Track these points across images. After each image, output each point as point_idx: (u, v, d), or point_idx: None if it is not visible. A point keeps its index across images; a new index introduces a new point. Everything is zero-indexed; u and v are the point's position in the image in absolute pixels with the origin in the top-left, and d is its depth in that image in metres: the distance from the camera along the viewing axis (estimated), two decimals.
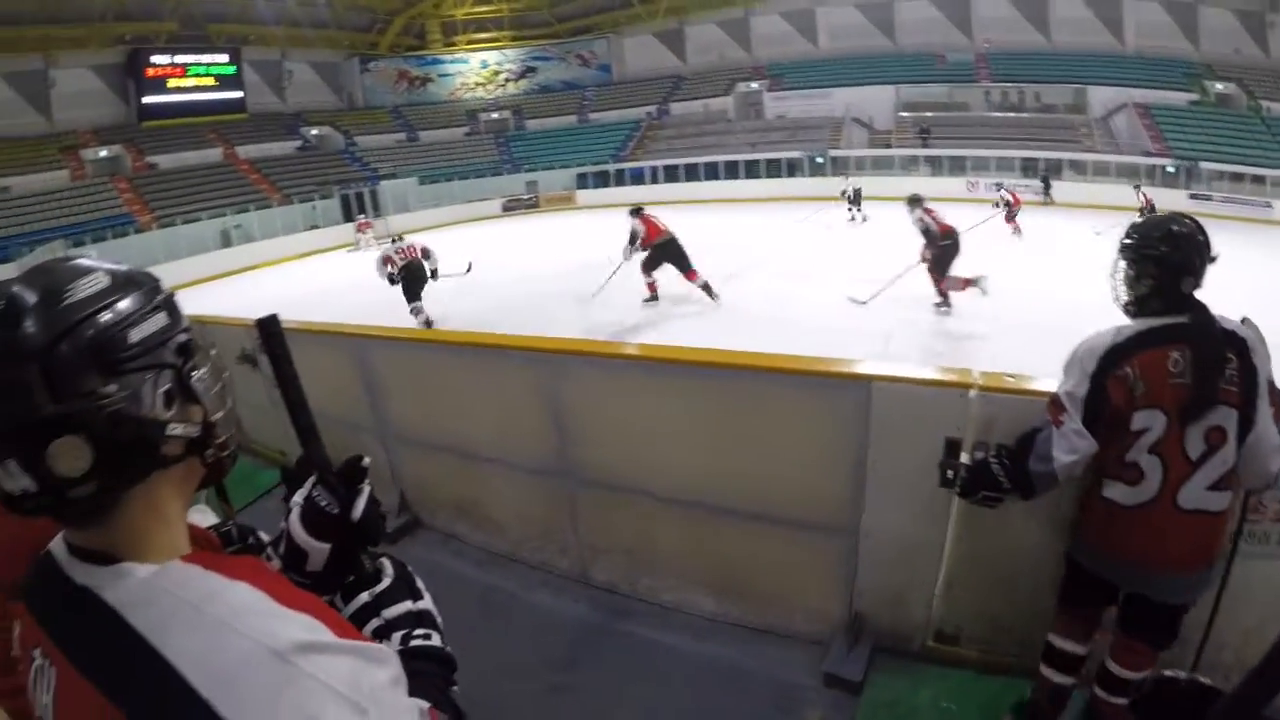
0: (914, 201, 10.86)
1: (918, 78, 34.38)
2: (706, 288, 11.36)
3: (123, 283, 0.84)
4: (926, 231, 10.40)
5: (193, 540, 0.93)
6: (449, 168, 36.27)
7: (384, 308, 12.80)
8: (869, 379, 2.64)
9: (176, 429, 0.85)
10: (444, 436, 3.93)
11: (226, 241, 26.59)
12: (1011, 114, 32.18)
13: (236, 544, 1.29)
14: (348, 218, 29.54)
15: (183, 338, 0.89)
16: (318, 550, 1.07)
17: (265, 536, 1.19)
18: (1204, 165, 25.94)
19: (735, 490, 3.07)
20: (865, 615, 2.99)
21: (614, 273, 12.00)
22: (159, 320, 0.86)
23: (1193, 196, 24.12)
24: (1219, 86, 29.75)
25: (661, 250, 11.23)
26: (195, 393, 0.88)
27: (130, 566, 0.82)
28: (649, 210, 11.80)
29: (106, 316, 0.80)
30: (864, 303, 10.92)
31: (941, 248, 10.37)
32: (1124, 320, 2.18)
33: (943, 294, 10.63)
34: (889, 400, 2.61)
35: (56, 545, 0.89)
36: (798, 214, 22.02)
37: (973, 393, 2.49)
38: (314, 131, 36.81)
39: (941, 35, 34.76)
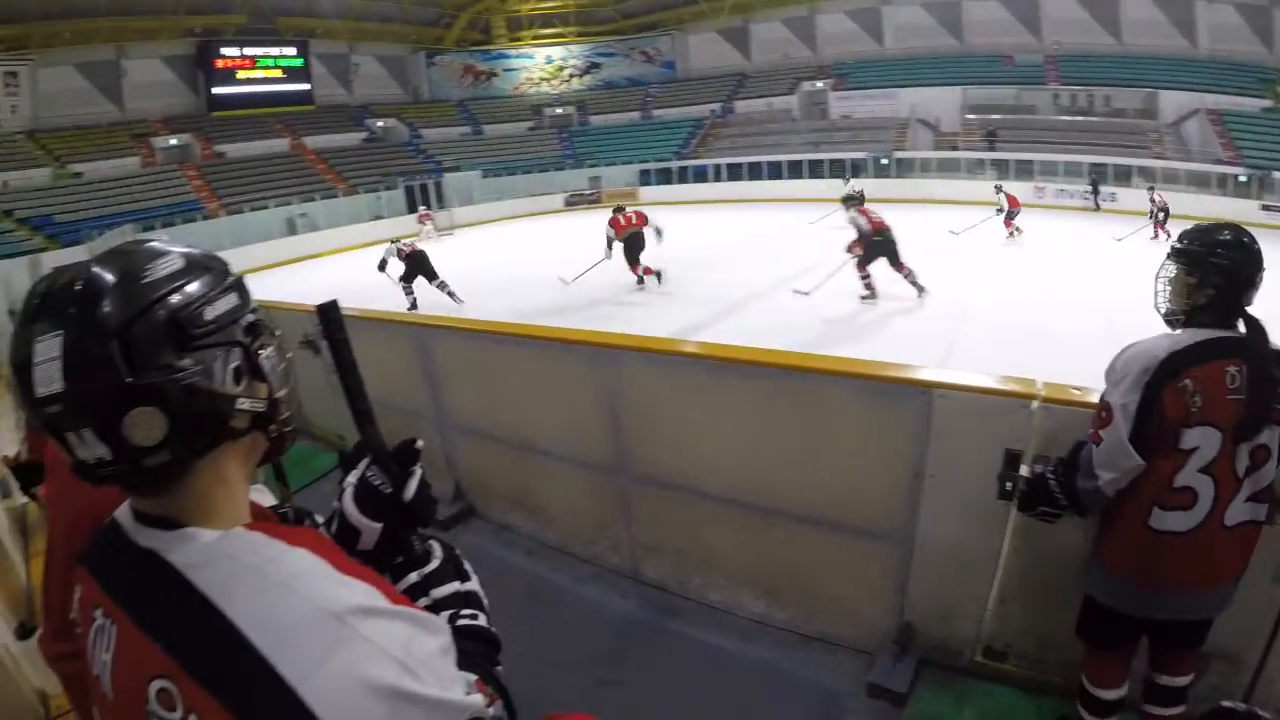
0: (848, 201, 12.14)
1: (985, 79, 33.57)
2: (911, 278, 11.38)
3: (196, 264, 0.89)
4: (858, 229, 11.21)
5: (253, 514, 0.97)
6: (512, 161, 36.53)
7: (444, 299, 13.04)
8: (931, 386, 2.61)
9: (244, 404, 0.89)
10: (501, 427, 3.99)
11: (292, 229, 27.27)
12: (1080, 118, 31.20)
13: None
14: (412, 209, 29.91)
15: (251, 318, 0.93)
16: (370, 529, 1.11)
17: (320, 520, 1.23)
18: (1277, 175, 24.86)
19: (789, 492, 3.07)
20: (914, 626, 2.95)
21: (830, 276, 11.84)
22: (230, 300, 0.90)
23: (1265, 208, 23.02)
24: None
25: (879, 246, 11.31)
26: (262, 370, 0.92)
27: (195, 531, 0.86)
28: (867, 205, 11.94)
29: (182, 295, 0.85)
30: (807, 294, 11.60)
31: (873, 243, 11.17)
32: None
33: (868, 288, 11.53)
34: (950, 408, 2.59)
35: (122, 512, 0.93)
36: (812, 215, 21.64)
37: (1035, 404, 2.45)
38: (379, 123, 37.47)
39: (1010, 36, 33.87)
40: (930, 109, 33.23)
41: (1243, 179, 25.06)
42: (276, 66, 35.20)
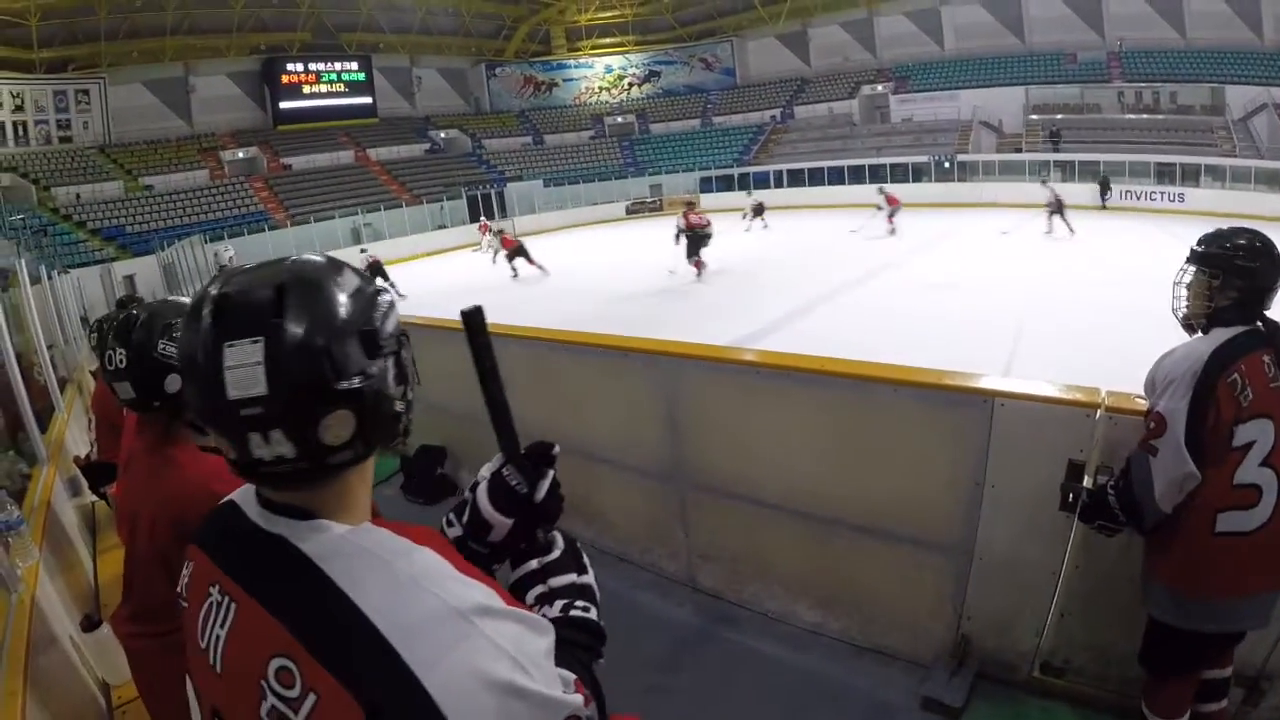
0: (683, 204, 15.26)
1: (1048, 78, 32.78)
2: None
3: (368, 279, 0.97)
4: (679, 228, 15.24)
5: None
6: (574, 170, 37.04)
7: (504, 308, 13.23)
8: (993, 395, 2.59)
9: (399, 405, 0.97)
10: (560, 434, 3.96)
11: (357, 239, 28.02)
12: (1145, 115, 30.21)
13: None
14: (474, 218, 30.54)
15: (400, 328, 1.00)
16: (501, 524, 1.15)
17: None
18: None
19: (847, 501, 3.06)
20: (971, 639, 2.90)
21: None
22: (395, 314, 0.99)
23: None
24: None
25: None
26: (407, 374, 1.00)
27: (327, 523, 0.91)
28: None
29: (368, 308, 0.92)
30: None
31: (689, 237, 15.33)
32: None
33: (697, 269, 15.36)
34: (1012, 418, 2.56)
35: (242, 498, 1.00)
36: (853, 222, 21.60)
37: (1099, 413, 2.41)
38: (442, 135, 38.35)
39: (1072, 33, 32.96)
40: (992, 110, 32.59)
41: None
42: (340, 81, 36.40)
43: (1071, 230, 18.54)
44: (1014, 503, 2.63)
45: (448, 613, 0.82)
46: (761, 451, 3.25)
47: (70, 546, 3.66)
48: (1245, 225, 2.20)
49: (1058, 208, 19.27)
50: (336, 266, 0.95)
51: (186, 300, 2.12)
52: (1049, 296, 11.74)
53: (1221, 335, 2.02)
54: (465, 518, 1.18)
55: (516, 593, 1.15)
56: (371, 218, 29.34)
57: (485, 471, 1.20)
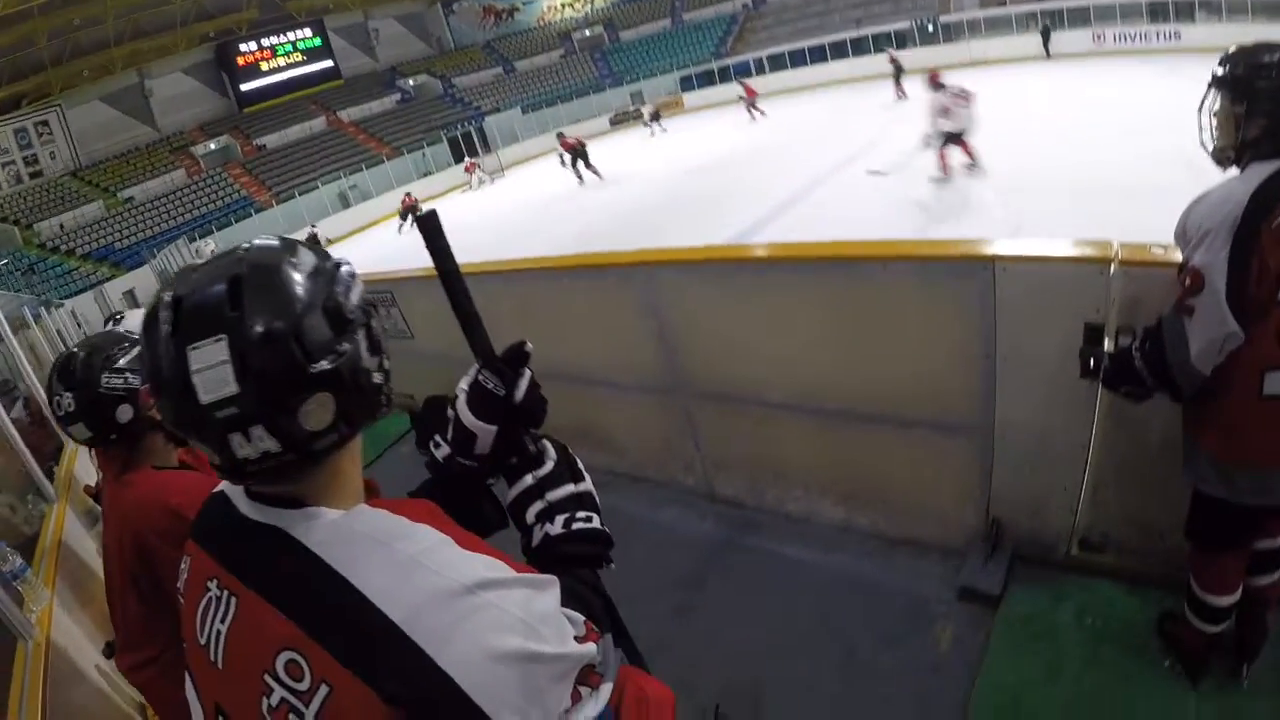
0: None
1: None
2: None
3: (323, 255, 0.95)
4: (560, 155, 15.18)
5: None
6: (550, 92, 36.42)
7: (495, 245, 13.05)
8: (993, 260, 2.38)
9: (377, 376, 0.95)
10: (555, 363, 3.88)
11: (345, 203, 27.92)
12: None
13: None
14: (459, 159, 30.31)
15: (367, 297, 0.99)
16: (485, 431, 1.15)
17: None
18: None
19: (857, 392, 2.91)
20: (1003, 522, 2.79)
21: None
22: (360, 286, 0.96)
23: None
24: None
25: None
26: (380, 344, 0.98)
27: (320, 509, 0.90)
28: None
29: (333, 284, 0.90)
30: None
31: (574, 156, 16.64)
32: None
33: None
34: (1017, 282, 2.36)
35: (232, 489, 0.98)
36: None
37: (1113, 268, 2.20)
38: (411, 82, 37.60)
39: None
40: None
41: None
42: (297, 50, 35.78)
43: (901, 96, 20.03)
44: (1031, 374, 2.46)
45: (453, 588, 0.81)
46: (759, 350, 3.10)
47: (90, 577, 3.68)
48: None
49: (897, 72, 21.24)
50: (290, 248, 0.92)
51: (123, 330, 2.22)
52: (1050, 151, 11.32)
53: (1261, 171, 1.75)
54: (450, 434, 1.18)
55: (516, 511, 1.16)
56: (355, 179, 29.00)
57: (463, 383, 1.19)
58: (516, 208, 18.64)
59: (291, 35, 35.46)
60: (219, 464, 0.87)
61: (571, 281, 3.69)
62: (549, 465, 1.16)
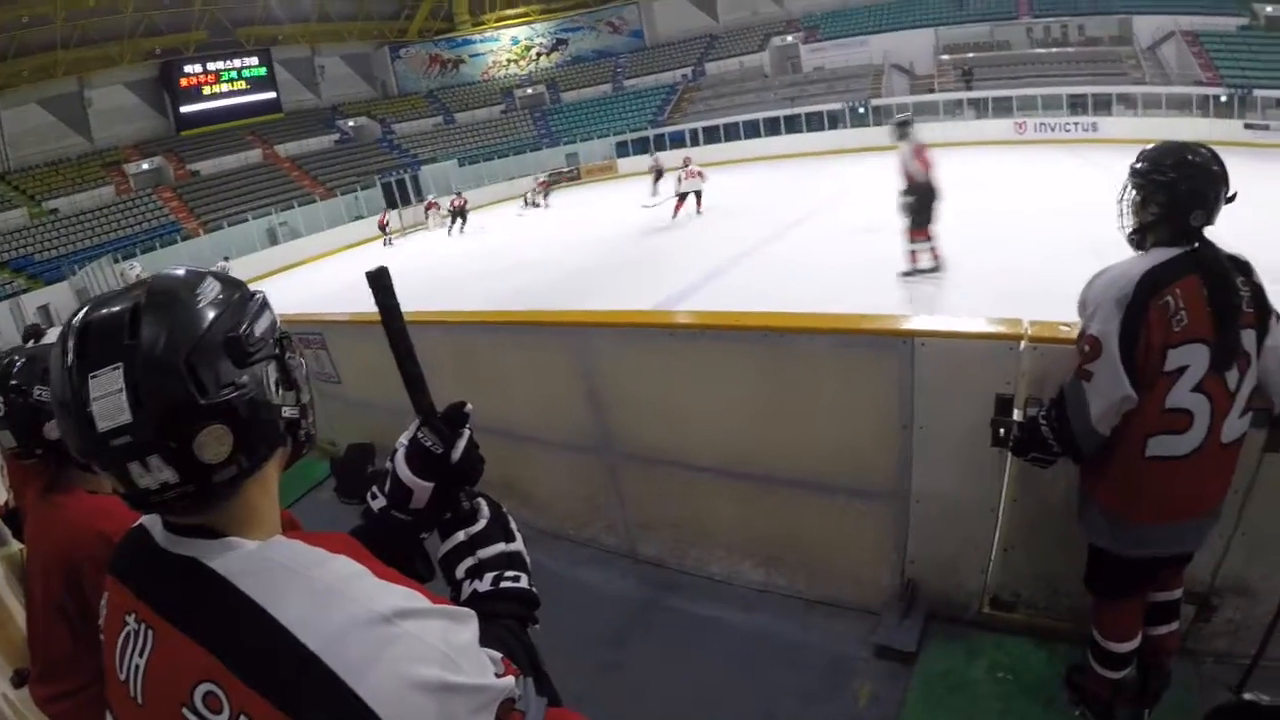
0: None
1: (956, 18, 33.12)
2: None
3: (231, 284, 0.93)
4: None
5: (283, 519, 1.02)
6: (487, 147, 36.33)
7: (428, 292, 12.98)
8: (912, 335, 2.52)
9: (287, 411, 0.94)
10: (484, 416, 3.84)
11: (273, 239, 27.21)
12: (1055, 49, 30.87)
13: None
14: (391, 205, 29.84)
15: (279, 331, 0.97)
16: (421, 488, 1.14)
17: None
18: (1259, 93, 24.53)
19: (779, 457, 2.98)
20: (918, 583, 2.88)
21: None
22: (268, 316, 0.94)
23: (1248, 126, 22.80)
24: (1270, 9, 28.06)
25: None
26: (294, 378, 0.97)
27: (238, 540, 0.88)
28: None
29: (233, 315, 0.89)
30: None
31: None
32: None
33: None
34: (934, 357, 2.50)
35: (150, 521, 0.95)
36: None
37: (1023, 345, 2.36)
38: (351, 123, 37.22)
39: None
40: (904, 53, 32.83)
41: (1223, 99, 24.79)
42: (241, 78, 34.99)
43: (654, 194, 20.81)
44: (945, 443, 2.58)
45: (371, 618, 0.80)
46: (687, 415, 3.16)
47: None
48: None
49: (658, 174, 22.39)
50: (197, 278, 0.91)
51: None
52: (970, 234, 11.86)
53: (1157, 256, 1.96)
54: (387, 487, 1.17)
55: (447, 567, 1.15)
56: (286, 216, 28.28)
57: (403, 439, 1.18)
58: (453, 257, 18.57)
59: (238, 62, 34.77)
60: (123, 493, 0.86)
61: (511, 337, 3.69)
62: (482, 523, 1.16)
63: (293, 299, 15.28)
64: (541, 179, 28.57)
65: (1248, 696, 0.72)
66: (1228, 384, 1.88)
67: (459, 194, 24.62)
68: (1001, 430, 2.41)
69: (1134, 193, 2.06)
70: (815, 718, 2.65)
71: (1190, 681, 2.40)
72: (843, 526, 2.98)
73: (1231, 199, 1.98)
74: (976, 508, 2.65)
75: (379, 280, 1.15)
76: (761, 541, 3.23)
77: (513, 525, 1.21)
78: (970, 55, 31.58)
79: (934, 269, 9.65)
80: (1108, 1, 30.44)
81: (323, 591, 0.82)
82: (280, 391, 0.93)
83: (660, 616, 3.24)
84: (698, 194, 18.00)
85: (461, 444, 1.17)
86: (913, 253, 9.66)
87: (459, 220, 23.53)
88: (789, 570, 3.19)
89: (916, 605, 2.87)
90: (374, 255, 23.39)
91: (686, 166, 18.11)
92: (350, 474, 4.81)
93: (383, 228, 26.55)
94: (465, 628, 0.89)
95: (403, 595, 0.85)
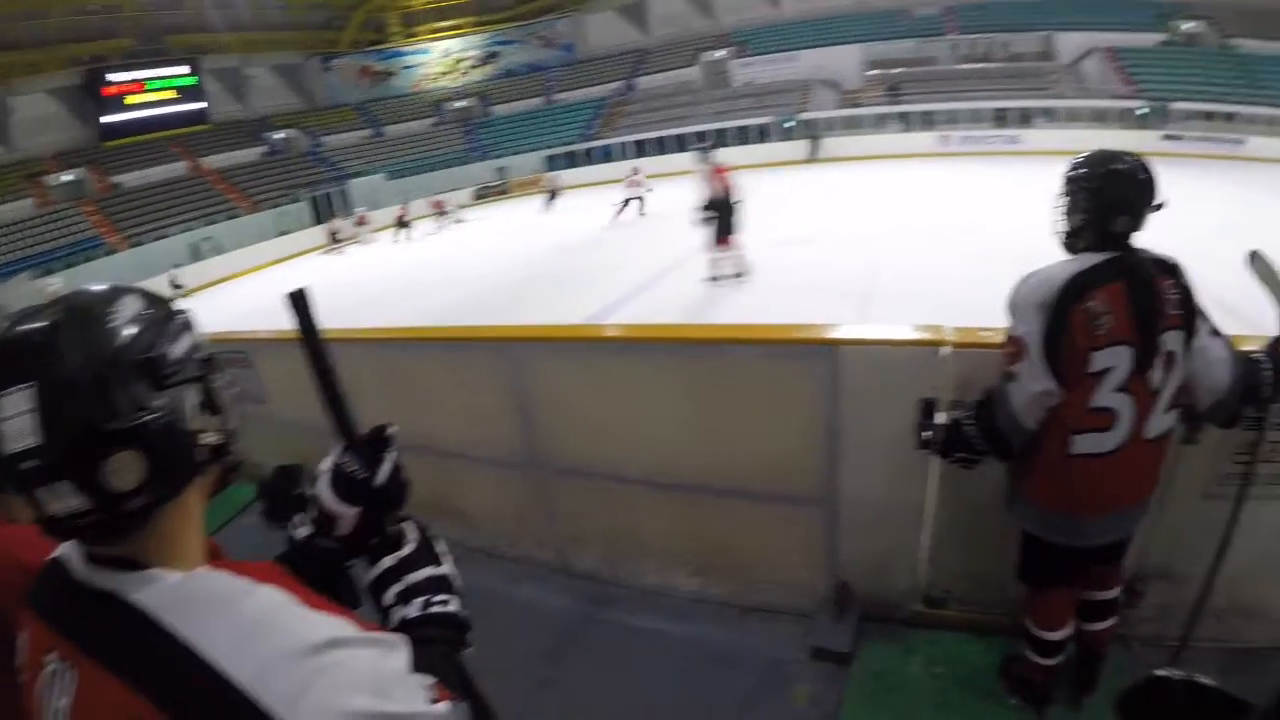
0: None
1: (884, 34, 34.06)
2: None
3: (152, 303, 0.90)
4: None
5: (209, 548, 0.97)
6: (417, 160, 35.87)
7: (356, 309, 12.73)
8: (836, 343, 2.56)
9: (209, 437, 0.90)
10: (413, 434, 3.77)
11: (198, 255, 26.31)
12: (980, 65, 31.97)
13: None
14: (318, 220, 29.29)
15: (203, 352, 0.93)
16: (346, 514, 1.12)
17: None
18: (1175, 105, 25.82)
19: (708, 467, 2.99)
20: (850, 585, 2.91)
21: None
22: (189, 337, 0.91)
23: (1166, 137, 24.03)
24: (1187, 25, 29.61)
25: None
26: (218, 403, 0.93)
27: (160, 573, 0.85)
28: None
29: (149, 336, 0.85)
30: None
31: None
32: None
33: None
34: (858, 364, 2.53)
35: (67, 554, 0.91)
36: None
37: (944, 350, 2.41)
38: (279, 135, 36.39)
39: None
40: (832, 69, 33.58)
41: (1142, 112, 26.03)
42: (168, 87, 33.91)
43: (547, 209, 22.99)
44: (872, 448, 2.62)
45: (300, 649, 0.78)
46: (617, 428, 3.14)
47: None
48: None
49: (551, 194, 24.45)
50: (115, 293, 0.88)
51: None
52: (895, 244, 12.19)
53: (1084, 261, 2.01)
54: (311, 514, 1.15)
55: (375, 593, 1.13)
56: (211, 230, 27.46)
57: (325, 464, 1.15)
58: (381, 274, 18.29)
59: (165, 71, 33.60)
60: (36, 519, 0.82)
61: (439, 353, 3.62)
62: (409, 547, 1.14)
63: (219, 317, 14.80)
64: (436, 199, 28.30)
65: (1159, 673, 0.74)
66: (1150, 383, 1.95)
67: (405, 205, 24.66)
68: (925, 434, 2.45)
69: (1067, 199, 2.12)
70: None
71: (1122, 665, 2.48)
72: (774, 533, 3.00)
73: (1159, 207, 2.04)
74: (904, 510, 2.70)
75: (299, 302, 1.11)
76: (694, 551, 3.23)
77: (441, 548, 1.19)
78: (897, 70, 32.55)
79: (738, 275, 10.97)
80: (1031, 19, 31.69)
81: (249, 624, 0.80)
82: (202, 416, 0.89)
83: (596, 630, 3.20)
84: (640, 200, 20.17)
85: (386, 468, 1.14)
86: (715, 260, 10.96)
87: (405, 229, 23.60)
88: (723, 578, 3.18)
89: (850, 607, 2.89)
90: (303, 271, 22.92)
91: (634, 175, 20.79)
92: (278, 497, 4.63)
93: (401, 221, 26.12)
94: (396, 655, 0.88)
95: (331, 625, 0.84)
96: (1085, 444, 2.01)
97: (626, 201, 20.30)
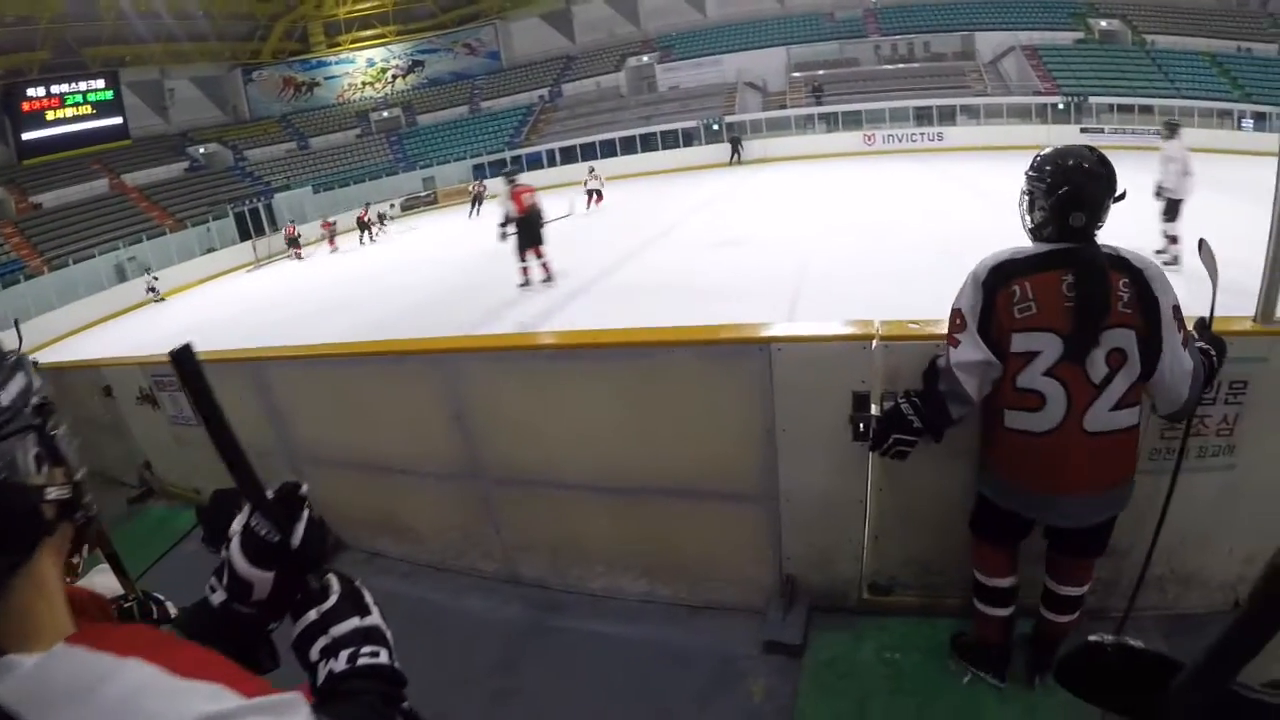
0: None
1: (807, 37, 34.73)
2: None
3: None
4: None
5: (80, 606, 0.89)
6: (343, 172, 35.30)
7: (290, 325, 12.46)
8: (769, 341, 2.58)
9: (52, 492, 0.80)
10: (354, 452, 3.74)
11: (122, 276, 25.30)
12: (902, 65, 32.78)
13: (137, 623, 1.22)
14: (244, 236, 28.52)
15: (38, 398, 0.84)
16: (261, 579, 1.04)
17: (172, 608, 1.14)
18: (1093, 100, 26.88)
19: (652, 470, 2.99)
20: (796, 578, 2.94)
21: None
22: (20, 381, 0.81)
23: (1083, 130, 25.05)
24: (1103, 23, 30.88)
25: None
26: (60, 453, 0.83)
27: (14, 659, 0.74)
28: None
29: None
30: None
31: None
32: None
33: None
34: (791, 361, 2.56)
35: None
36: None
37: (874, 343, 2.45)
38: (201, 150, 35.43)
39: None
40: (756, 72, 34.08)
41: (1060, 107, 27.07)
42: (86, 102, 32.71)
43: (473, 215, 24.15)
44: (808, 442, 2.65)
45: None
46: (555, 435, 3.12)
47: None
48: (1073, 146, 2.23)
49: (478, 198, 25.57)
50: None
51: None
52: (823, 241, 12.41)
53: (1028, 250, 2.12)
54: (224, 579, 1.05)
55: (301, 650, 1.04)
56: (135, 250, 26.33)
57: (236, 525, 1.06)
58: (318, 286, 17.90)
59: (83, 85, 32.33)
60: None
61: (375, 367, 3.56)
62: (333, 599, 1.08)
63: (147, 338, 14.35)
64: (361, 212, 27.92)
65: (1092, 639, 0.77)
66: (1089, 375, 2.00)
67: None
68: (861, 425, 2.50)
69: (1025, 195, 2.20)
70: (713, 718, 2.66)
71: (1071, 639, 2.51)
72: (718, 531, 3.01)
73: (1121, 198, 2.11)
74: (844, 501, 2.74)
75: (184, 360, 1.00)
76: (640, 553, 3.22)
77: (368, 599, 1.12)
78: (821, 72, 33.18)
79: (546, 279, 12.50)
80: (951, 19, 32.70)
81: (114, 710, 0.71)
82: (45, 469, 0.80)
83: (548, 638, 3.17)
84: (597, 193, 22.58)
85: (301, 527, 1.07)
86: (524, 269, 12.51)
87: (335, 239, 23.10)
88: (670, 578, 3.19)
89: (798, 599, 2.93)
90: (230, 288, 22.32)
91: (592, 173, 23.73)
92: (218, 522, 4.49)
93: (476, 197, 26.61)
94: (293, 716, 0.81)
95: (207, 695, 0.75)
96: (1016, 420, 2.10)
97: (590, 195, 22.25)
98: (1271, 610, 0.63)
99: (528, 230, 12.08)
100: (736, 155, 29.85)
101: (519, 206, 11.94)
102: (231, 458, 1.03)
